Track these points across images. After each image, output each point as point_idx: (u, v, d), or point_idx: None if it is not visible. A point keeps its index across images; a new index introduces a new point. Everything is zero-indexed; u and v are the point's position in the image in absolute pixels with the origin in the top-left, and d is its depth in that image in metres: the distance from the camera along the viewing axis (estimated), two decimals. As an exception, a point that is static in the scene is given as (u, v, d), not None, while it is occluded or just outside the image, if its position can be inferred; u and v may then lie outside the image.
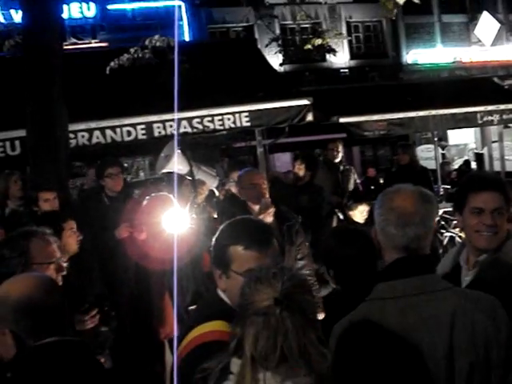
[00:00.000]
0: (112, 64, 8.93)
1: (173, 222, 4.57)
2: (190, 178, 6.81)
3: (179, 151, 5.64)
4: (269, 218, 4.61)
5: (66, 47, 8.32)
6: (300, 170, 7.69)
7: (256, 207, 4.78)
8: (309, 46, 10.14)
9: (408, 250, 2.13)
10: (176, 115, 8.23)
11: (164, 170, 6.51)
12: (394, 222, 2.12)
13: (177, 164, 6.06)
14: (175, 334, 2.21)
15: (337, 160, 8.65)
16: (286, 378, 1.74)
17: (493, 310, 2.05)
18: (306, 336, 1.76)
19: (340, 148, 8.70)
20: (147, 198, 4.86)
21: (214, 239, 2.32)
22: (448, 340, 2.01)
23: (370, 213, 6.49)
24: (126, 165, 12.46)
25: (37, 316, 2.24)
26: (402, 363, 2.03)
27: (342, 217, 6.50)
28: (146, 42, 9.14)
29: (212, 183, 8.01)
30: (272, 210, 4.65)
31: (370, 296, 2.18)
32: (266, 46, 13.39)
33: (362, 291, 2.22)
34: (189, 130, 9.14)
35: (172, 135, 9.18)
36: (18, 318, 2.23)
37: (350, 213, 6.47)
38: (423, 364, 2.02)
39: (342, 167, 8.73)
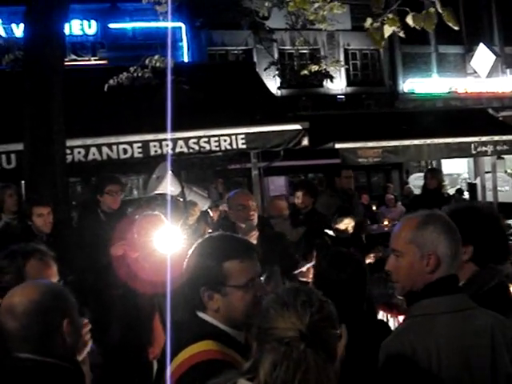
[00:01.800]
0: (111, 82, 8.98)
1: (165, 242, 4.56)
2: (181, 199, 6.81)
3: (171, 172, 5.63)
4: (252, 240, 4.58)
5: (65, 64, 8.35)
6: (299, 198, 7.59)
7: (243, 226, 4.74)
8: (305, 72, 10.21)
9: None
10: (169, 135, 8.28)
11: (156, 192, 6.52)
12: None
13: (169, 185, 6.05)
14: (168, 354, 2.16)
15: (348, 187, 8.59)
16: None
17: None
18: (326, 373, 1.71)
19: (352, 175, 8.71)
20: (138, 216, 4.85)
21: (197, 261, 2.24)
22: (490, 353, 2.19)
23: (356, 226, 6.79)
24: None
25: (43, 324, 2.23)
26: (458, 375, 2.16)
27: (331, 233, 6.52)
28: (146, 62, 9.20)
29: (203, 204, 8.01)
30: (255, 234, 4.56)
31: (415, 312, 2.28)
32: (265, 69, 13.49)
33: (355, 315, 2.24)
34: (185, 150, 9.18)
35: (168, 155, 9.22)
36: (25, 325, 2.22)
37: (336, 226, 6.57)
38: (474, 375, 2.16)
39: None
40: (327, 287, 3.02)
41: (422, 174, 17.91)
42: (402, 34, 5.52)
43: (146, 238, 4.64)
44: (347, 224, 6.66)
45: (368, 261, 6.34)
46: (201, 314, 2.24)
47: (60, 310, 2.30)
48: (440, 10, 5.03)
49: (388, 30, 5.26)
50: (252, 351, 1.79)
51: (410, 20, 5.08)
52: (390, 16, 5.20)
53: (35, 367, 2.20)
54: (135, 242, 4.72)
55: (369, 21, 5.23)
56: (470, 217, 2.66)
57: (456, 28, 5.19)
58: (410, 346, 2.17)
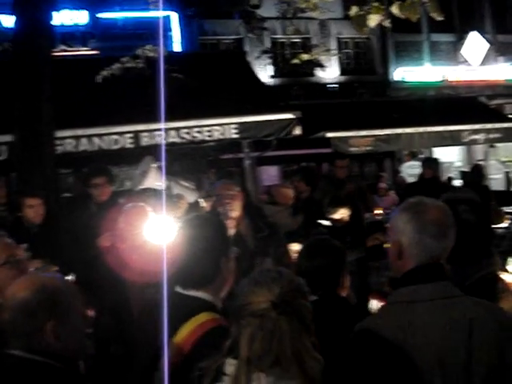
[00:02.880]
0: (102, 72, 8.92)
1: (153, 233, 4.54)
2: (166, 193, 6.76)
3: (156, 166, 5.59)
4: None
5: (55, 54, 8.30)
6: (294, 184, 7.55)
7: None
8: (297, 61, 10.18)
9: (434, 259, 2.22)
10: (161, 125, 8.23)
11: (141, 186, 6.46)
12: (433, 234, 2.21)
13: (154, 180, 6.01)
14: (165, 343, 2.15)
15: (343, 177, 8.48)
16: (278, 380, 1.76)
17: (504, 319, 2.17)
18: (301, 341, 1.79)
19: (347, 164, 8.57)
20: (124, 208, 4.81)
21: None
22: (467, 343, 2.09)
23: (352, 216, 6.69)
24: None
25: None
26: (429, 364, 2.08)
27: (326, 223, 6.49)
28: (138, 52, 9.14)
29: (191, 197, 7.97)
30: (229, 223, 4.38)
31: (393, 299, 2.24)
32: (256, 58, 13.44)
33: (335, 300, 2.24)
34: (177, 140, 9.15)
35: (159, 145, 9.18)
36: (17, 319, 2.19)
37: (331, 216, 6.51)
38: (446, 372, 2.08)
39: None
40: (303, 275, 3.09)
41: (414, 163, 17.98)
42: (387, 24, 5.51)
43: (132, 229, 4.61)
44: (342, 214, 6.58)
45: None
46: (192, 293, 2.38)
47: (48, 309, 2.22)
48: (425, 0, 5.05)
49: (373, 19, 5.26)
50: (231, 331, 1.87)
51: (395, 9, 5.09)
52: (376, 4, 5.20)
53: (22, 364, 2.17)
54: (122, 233, 4.70)
55: (354, 9, 5.23)
56: None
57: (439, 18, 5.22)
58: (379, 332, 2.14)
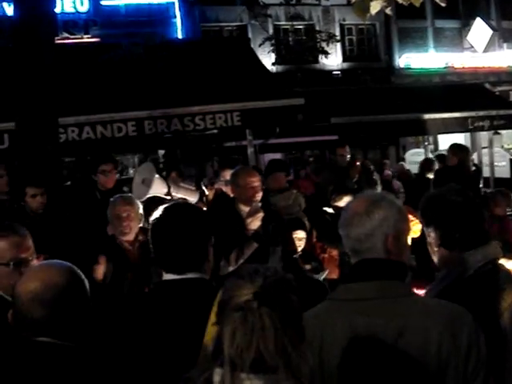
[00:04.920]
0: (104, 59, 8.89)
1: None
2: (168, 198, 6.72)
3: (157, 176, 5.55)
4: (257, 222, 4.53)
5: (57, 41, 8.25)
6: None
7: (246, 208, 4.65)
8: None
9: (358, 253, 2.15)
10: (164, 112, 8.20)
11: (148, 196, 6.41)
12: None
13: (158, 188, 5.93)
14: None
15: (345, 164, 8.36)
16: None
17: (451, 323, 1.99)
18: (286, 335, 1.66)
19: (348, 152, 8.46)
20: (111, 200, 4.75)
21: None
22: (393, 351, 1.96)
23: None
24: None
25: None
26: (346, 368, 1.98)
27: (330, 210, 6.42)
28: (139, 39, 9.11)
29: (192, 198, 7.94)
30: (261, 215, 4.51)
31: (330, 296, 2.19)
32: (260, 45, 13.36)
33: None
34: (180, 127, 9.11)
35: (163, 132, 9.15)
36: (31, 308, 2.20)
37: (336, 204, 6.42)
38: (366, 371, 1.97)
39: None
40: None
41: (419, 150, 17.92)
42: (388, 11, 5.44)
43: (120, 221, 4.55)
44: (347, 202, 6.48)
45: None
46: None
47: (79, 295, 2.29)
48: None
49: (375, 6, 5.19)
50: (216, 332, 1.75)
51: None
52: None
53: (51, 350, 2.18)
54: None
55: None
56: (436, 202, 2.62)
57: (443, 4, 5.16)
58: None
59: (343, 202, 6.41)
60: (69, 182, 9.06)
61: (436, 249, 2.59)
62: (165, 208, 2.57)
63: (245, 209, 4.66)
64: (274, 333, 1.64)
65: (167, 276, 2.46)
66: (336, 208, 6.41)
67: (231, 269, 4.27)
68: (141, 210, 4.61)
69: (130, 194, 5.10)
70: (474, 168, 12.01)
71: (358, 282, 2.09)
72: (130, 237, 4.51)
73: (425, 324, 1.97)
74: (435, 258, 2.64)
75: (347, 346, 2.00)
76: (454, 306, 2.06)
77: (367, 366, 1.97)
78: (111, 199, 4.73)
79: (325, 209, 6.45)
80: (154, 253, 2.51)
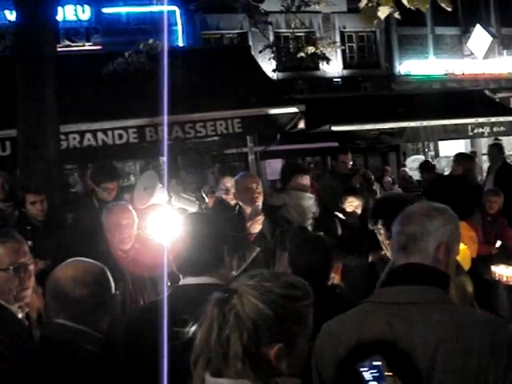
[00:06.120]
0: (106, 67, 8.92)
1: (161, 232, 4.52)
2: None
3: (160, 185, 5.58)
4: (258, 225, 4.56)
5: (59, 49, 8.29)
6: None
7: (249, 210, 4.70)
8: (302, 54, 10.15)
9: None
10: (165, 119, 8.20)
11: (150, 203, 6.42)
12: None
13: (159, 197, 5.94)
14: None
15: (346, 172, 8.25)
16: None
17: (491, 334, 1.89)
18: (258, 340, 1.54)
19: (350, 159, 8.37)
20: (107, 208, 4.71)
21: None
22: (431, 362, 1.88)
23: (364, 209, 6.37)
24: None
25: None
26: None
27: (340, 215, 6.37)
28: (141, 47, 9.13)
29: (192, 209, 7.95)
30: (261, 218, 4.55)
31: (367, 299, 2.12)
32: (260, 52, 13.41)
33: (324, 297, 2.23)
34: (181, 134, 9.15)
35: (163, 140, 9.17)
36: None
37: (343, 207, 6.39)
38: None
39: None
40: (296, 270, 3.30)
41: (419, 157, 17.94)
42: (397, 15, 5.46)
43: (119, 229, 4.52)
44: (351, 203, 6.33)
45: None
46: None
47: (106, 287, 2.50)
48: (433, -10, 5.01)
49: (384, 11, 5.21)
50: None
51: (404, 0, 5.04)
52: (385, -4, 5.16)
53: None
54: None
55: (364, 1, 5.19)
56: (387, 201, 2.93)
57: (449, 9, 5.17)
58: (330, 332, 2.08)
59: (349, 204, 6.35)
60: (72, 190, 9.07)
61: (387, 242, 2.75)
62: (187, 216, 2.78)
63: (248, 211, 4.70)
64: (244, 333, 1.54)
65: (186, 280, 2.53)
66: (344, 213, 6.36)
67: (234, 274, 4.29)
68: (136, 218, 4.58)
69: (124, 202, 5.09)
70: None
71: (401, 286, 2.03)
72: (128, 245, 4.48)
73: (465, 334, 1.90)
74: (388, 253, 2.80)
75: (383, 349, 1.91)
76: (495, 317, 2.04)
77: (403, 370, 1.88)
78: (107, 207, 4.67)
79: (336, 213, 6.40)
80: (174, 258, 2.57)
